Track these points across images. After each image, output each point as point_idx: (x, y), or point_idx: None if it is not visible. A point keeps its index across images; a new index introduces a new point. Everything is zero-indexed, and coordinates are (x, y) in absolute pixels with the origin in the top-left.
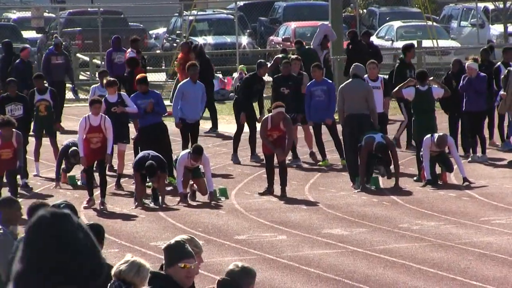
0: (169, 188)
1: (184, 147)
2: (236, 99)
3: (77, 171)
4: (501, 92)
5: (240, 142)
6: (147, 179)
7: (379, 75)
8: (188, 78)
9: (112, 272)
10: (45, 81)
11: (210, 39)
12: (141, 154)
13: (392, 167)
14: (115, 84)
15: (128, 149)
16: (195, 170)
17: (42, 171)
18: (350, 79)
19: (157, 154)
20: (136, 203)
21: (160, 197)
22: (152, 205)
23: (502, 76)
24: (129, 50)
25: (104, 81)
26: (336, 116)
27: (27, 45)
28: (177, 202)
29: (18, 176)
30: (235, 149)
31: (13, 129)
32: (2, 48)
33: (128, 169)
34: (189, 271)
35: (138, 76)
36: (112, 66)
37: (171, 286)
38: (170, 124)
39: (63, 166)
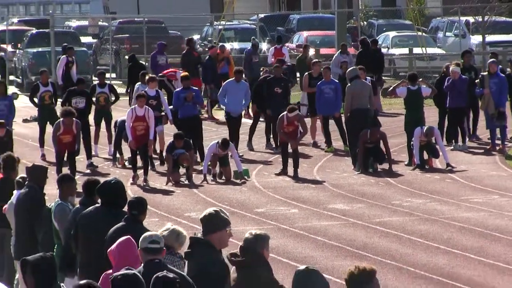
0: (200, 168)
1: (231, 136)
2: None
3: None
4: (485, 90)
5: (258, 131)
6: (178, 164)
7: (367, 77)
8: (233, 78)
9: None
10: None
11: (235, 45)
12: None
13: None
14: (155, 80)
15: (167, 136)
16: (223, 159)
17: (99, 152)
18: (354, 81)
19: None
20: (167, 181)
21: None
22: (186, 182)
23: (477, 81)
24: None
25: (146, 77)
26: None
27: (214, 45)
28: (201, 181)
29: (80, 157)
30: (250, 138)
31: (73, 118)
32: (63, 50)
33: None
34: (230, 234)
35: (181, 74)
36: (156, 67)
37: (211, 249)
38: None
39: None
